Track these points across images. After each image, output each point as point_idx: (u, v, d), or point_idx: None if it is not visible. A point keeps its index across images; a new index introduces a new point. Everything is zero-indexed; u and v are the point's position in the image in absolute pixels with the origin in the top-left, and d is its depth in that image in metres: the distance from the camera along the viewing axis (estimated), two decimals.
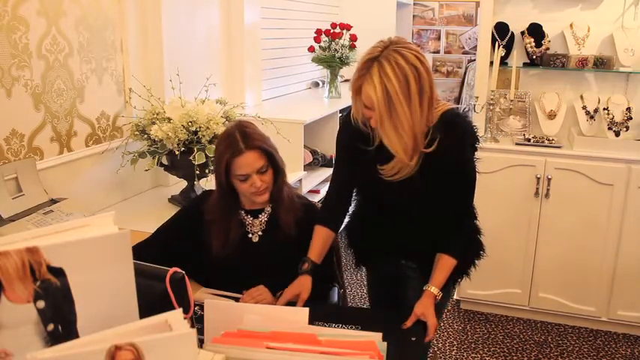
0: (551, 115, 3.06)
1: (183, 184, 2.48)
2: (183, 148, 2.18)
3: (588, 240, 2.94)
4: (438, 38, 5.48)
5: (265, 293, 1.71)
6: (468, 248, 1.76)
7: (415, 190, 1.60)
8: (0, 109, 1.87)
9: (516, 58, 3.05)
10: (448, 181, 1.59)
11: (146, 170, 2.34)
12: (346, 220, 1.92)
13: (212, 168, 2.22)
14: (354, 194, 1.83)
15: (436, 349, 2.87)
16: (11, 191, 1.89)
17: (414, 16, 5.46)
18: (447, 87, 5.47)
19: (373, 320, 1.55)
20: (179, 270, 1.17)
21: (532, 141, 2.99)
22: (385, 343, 1.10)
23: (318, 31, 3.80)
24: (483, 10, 3.06)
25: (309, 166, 3.45)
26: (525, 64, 3.11)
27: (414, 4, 5.43)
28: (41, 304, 0.86)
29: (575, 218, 2.93)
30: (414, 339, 1.54)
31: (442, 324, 3.11)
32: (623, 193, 2.83)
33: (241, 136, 1.68)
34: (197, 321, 1.37)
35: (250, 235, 1.79)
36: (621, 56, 2.92)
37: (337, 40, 3.78)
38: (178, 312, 0.90)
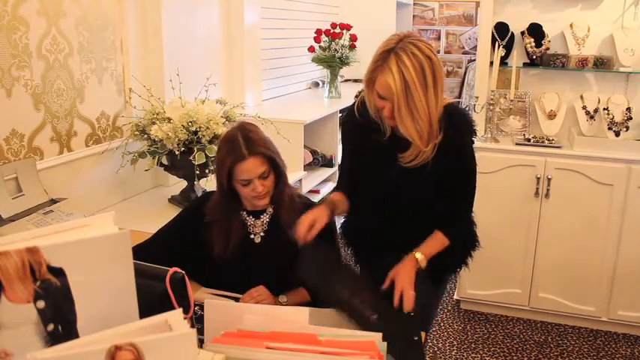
0: (551, 115, 3.06)
1: (183, 184, 2.48)
2: (183, 148, 2.18)
3: (588, 240, 2.94)
4: (438, 38, 5.48)
5: (265, 293, 1.71)
6: (464, 237, 1.80)
7: (421, 179, 1.65)
8: (0, 109, 1.87)
9: (516, 58, 3.05)
10: (453, 169, 1.66)
11: (146, 170, 2.34)
12: (342, 220, 1.94)
13: (212, 168, 2.22)
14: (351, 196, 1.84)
15: (436, 349, 2.87)
16: (11, 191, 1.89)
17: (414, 16, 5.45)
18: (447, 87, 5.47)
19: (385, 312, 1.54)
20: (179, 270, 1.17)
21: (532, 141, 2.99)
22: (385, 343, 1.10)
23: (318, 31, 3.80)
24: (483, 10, 3.06)
25: (309, 166, 3.45)
26: (525, 64, 3.11)
27: (414, 4, 5.43)
28: (41, 304, 0.86)
29: (575, 218, 2.93)
30: (416, 338, 1.54)
31: (442, 324, 3.11)
32: (623, 193, 2.83)
33: (244, 141, 1.67)
34: (197, 321, 1.37)
35: (252, 236, 1.79)
36: (621, 56, 2.92)
37: (337, 40, 3.78)
38: (178, 312, 0.89)
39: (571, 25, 3.02)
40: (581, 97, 3.06)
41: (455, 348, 2.89)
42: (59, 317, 0.88)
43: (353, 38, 3.85)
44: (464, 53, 5.46)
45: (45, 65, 2.02)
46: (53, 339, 0.87)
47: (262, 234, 1.79)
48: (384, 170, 1.69)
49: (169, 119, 2.20)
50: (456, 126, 1.64)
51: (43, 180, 1.99)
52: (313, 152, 3.55)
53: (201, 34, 2.93)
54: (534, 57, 3.05)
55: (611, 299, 2.97)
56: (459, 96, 5.32)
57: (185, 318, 0.90)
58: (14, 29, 1.88)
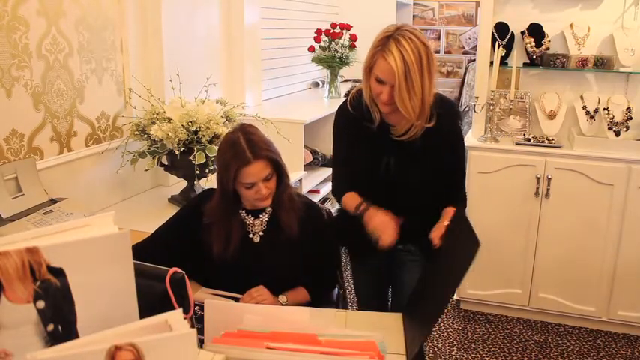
0: (551, 115, 3.06)
1: (183, 184, 2.48)
2: (183, 148, 2.18)
3: (588, 240, 2.94)
4: (438, 38, 5.48)
5: (265, 293, 1.71)
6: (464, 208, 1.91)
7: (417, 161, 1.78)
8: (0, 109, 1.87)
9: (516, 58, 3.05)
10: (449, 143, 1.82)
11: (146, 170, 2.34)
12: (335, 215, 2.00)
13: (212, 168, 2.22)
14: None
15: (436, 349, 2.87)
16: (11, 191, 1.89)
17: (414, 16, 5.45)
18: (447, 87, 5.47)
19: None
20: (179, 270, 1.17)
21: (532, 141, 2.99)
22: (385, 343, 1.10)
23: (318, 31, 3.80)
24: (483, 10, 3.06)
25: (309, 166, 3.45)
26: (525, 64, 3.11)
27: (414, 4, 5.42)
28: (41, 304, 0.86)
29: (575, 218, 2.93)
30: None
31: (442, 324, 3.11)
32: (623, 193, 2.83)
33: (248, 145, 1.67)
34: (197, 321, 1.38)
35: (251, 236, 1.79)
36: (621, 56, 2.92)
37: (337, 40, 3.78)
38: (178, 312, 0.90)
39: (571, 25, 3.02)
40: (581, 97, 3.06)
41: (455, 348, 2.89)
42: (59, 317, 0.88)
43: (353, 38, 3.85)
44: (464, 53, 5.45)
45: (45, 65, 2.02)
46: (53, 339, 0.87)
47: (261, 233, 1.79)
48: (382, 157, 1.79)
49: (169, 119, 2.20)
50: (447, 109, 1.82)
51: (43, 180, 1.99)
52: (313, 152, 3.55)
53: (201, 34, 2.93)
54: (534, 57, 3.05)
55: (611, 299, 2.97)
56: (459, 96, 5.32)
57: (185, 318, 0.90)
58: (14, 29, 1.88)
